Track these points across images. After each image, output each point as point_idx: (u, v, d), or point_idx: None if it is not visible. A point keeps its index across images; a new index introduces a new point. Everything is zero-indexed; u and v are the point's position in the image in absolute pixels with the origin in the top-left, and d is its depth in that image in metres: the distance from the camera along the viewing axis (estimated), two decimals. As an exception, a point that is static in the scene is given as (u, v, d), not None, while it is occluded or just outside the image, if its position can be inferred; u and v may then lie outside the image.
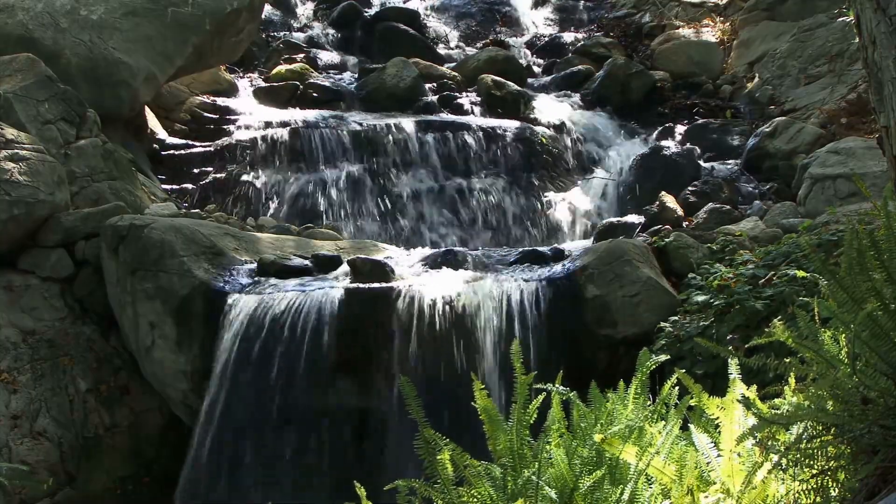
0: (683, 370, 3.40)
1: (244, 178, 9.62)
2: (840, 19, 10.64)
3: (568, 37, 13.49)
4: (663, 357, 3.69)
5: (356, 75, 11.98)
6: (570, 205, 9.79)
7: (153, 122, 10.06)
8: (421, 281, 6.69)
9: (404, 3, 14.34)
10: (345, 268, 7.00)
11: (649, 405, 3.45)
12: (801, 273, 4.94)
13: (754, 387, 3.18)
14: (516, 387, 3.43)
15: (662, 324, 6.12)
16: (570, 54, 12.73)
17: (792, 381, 3.05)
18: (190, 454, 6.50)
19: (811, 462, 2.64)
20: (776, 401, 3.05)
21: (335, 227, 8.83)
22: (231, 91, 11.32)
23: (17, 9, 9.06)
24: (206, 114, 10.65)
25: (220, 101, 10.93)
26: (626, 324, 6.38)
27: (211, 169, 9.70)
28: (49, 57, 8.62)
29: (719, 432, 3.04)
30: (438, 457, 3.19)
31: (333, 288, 6.66)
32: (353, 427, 6.44)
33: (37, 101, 8.09)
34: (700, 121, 10.74)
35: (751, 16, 12.06)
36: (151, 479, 7.17)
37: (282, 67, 11.87)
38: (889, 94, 3.29)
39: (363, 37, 13.24)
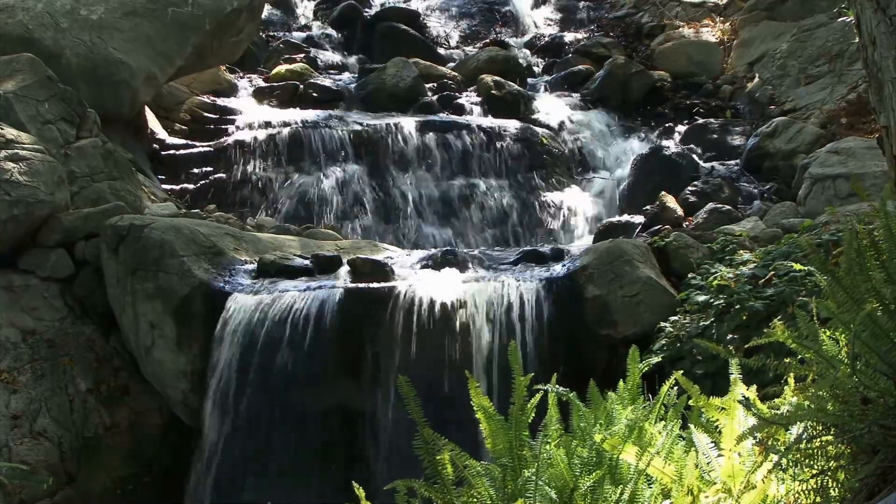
0: (683, 370, 3.40)
1: (244, 178, 9.63)
2: (840, 19, 10.65)
3: (568, 37, 13.50)
4: (654, 358, 3.69)
5: (356, 75, 11.98)
6: (570, 205, 9.79)
7: (153, 122, 10.06)
8: (421, 281, 6.69)
9: (404, 3, 14.34)
10: (345, 268, 7.00)
11: (646, 405, 3.44)
12: (797, 266, 4.94)
13: (754, 387, 3.18)
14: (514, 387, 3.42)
15: (662, 324, 6.11)
16: (570, 54, 12.75)
17: (791, 381, 3.05)
18: (201, 455, 6.52)
19: (811, 462, 2.64)
20: (776, 401, 3.05)
21: (335, 227, 8.83)
22: (231, 91, 11.33)
23: (17, 9, 9.06)
24: (206, 114, 10.65)
25: (220, 101, 10.94)
26: (626, 324, 6.37)
27: (211, 169, 9.70)
28: (49, 57, 8.62)
29: (719, 432, 3.03)
30: (438, 457, 3.18)
31: (333, 288, 6.66)
32: (352, 427, 6.44)
33: (37, 101, 8.09)
34: (700, 121, 10.74)
35: (751, 16, 12.07)
36: (151, 479, 7.16)
37: (282, 67, 11.88)
38: (889, 94, 3.29)
39: (363, 37, 13.25)
